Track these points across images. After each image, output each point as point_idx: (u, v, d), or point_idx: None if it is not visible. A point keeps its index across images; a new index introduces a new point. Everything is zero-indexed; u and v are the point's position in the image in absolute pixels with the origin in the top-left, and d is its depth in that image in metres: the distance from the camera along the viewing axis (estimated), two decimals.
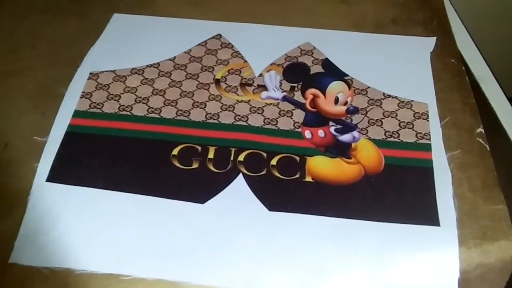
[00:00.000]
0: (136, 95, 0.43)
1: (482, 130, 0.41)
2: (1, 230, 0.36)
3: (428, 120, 0.42)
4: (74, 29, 0.48)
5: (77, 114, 0.42)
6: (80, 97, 0.43)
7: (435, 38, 0.48)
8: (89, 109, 0.42)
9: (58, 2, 0.50)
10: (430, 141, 0.41)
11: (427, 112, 0.42)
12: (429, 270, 0.35)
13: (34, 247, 0.35)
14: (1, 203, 0.37)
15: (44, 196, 0.37)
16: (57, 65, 0.45)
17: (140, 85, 0.44)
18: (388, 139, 0.41)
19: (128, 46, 0.46)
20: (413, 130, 0.41)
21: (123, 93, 0.43)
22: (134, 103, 0.42)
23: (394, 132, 0.41)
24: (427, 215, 0.37)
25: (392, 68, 0.46)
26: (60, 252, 0.35)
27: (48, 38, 0.47)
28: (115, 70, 0.45)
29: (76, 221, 0.36)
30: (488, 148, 0.40)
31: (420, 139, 0.41)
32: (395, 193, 0.38)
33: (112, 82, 0.44)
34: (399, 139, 0.41)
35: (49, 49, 0.47)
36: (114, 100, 0.43)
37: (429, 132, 0.41)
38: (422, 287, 0.35)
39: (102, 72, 0.44)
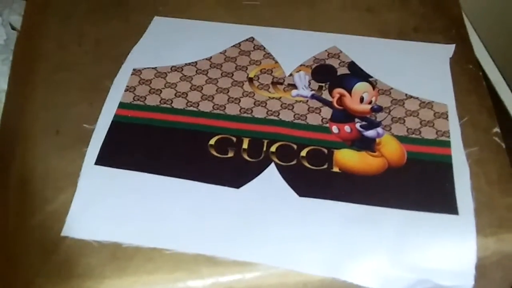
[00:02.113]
0: (176, 90, 0.46)
1: (498, 130, 0.44)
2: (54, 206, 0.39)
3: (447, 120, 0.45)
4: (118, 30, 0.52)
5: (122, 105, 0.45)
6: (125, 91, 0.46)
7: (454, 45, 0.51)
8: (133, 101, 0.46)
9: (101, 5, 0.54)
10: (450, 138, 0.43)
11: (447, 112, 0.45)
12: (448, 255, 0.38)
13: (84, 222, 0.38)
14: (54, 183, 0.40)
15: (93, 177, 0.41)
16: (103, 62, 0.49)
17: (179, 81, 0.47)
18: (410, 135, 0.44)
19: (168, 46, 0.50)
20: (434, 128, 0.44)
21: (164, 88, 0.47)
22: (174, 97, 0.46)
23: (416, 130, 0.44)
24: (446, 204, 0.39)
25: (414, 71, 0.49)
26: (108, 227, 0.38)
27: (93, 37, 0.51)
28: (156, 67, 0.48)
29: (122, 200, 0.40)
30: (504, 146, 0.43)
31: (440, 136, 0.44)
32: (417, 184, 0.41)
33: (154, 78, 0.47)
34: (420, 136, 0.44)
35: (95, 47, 0.50)
36: (156, 94, 0.46)
37: (449, 130, 0.44)
38: (441, 270, 0.37)
39: (144, 68, 0.48)
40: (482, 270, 0.38)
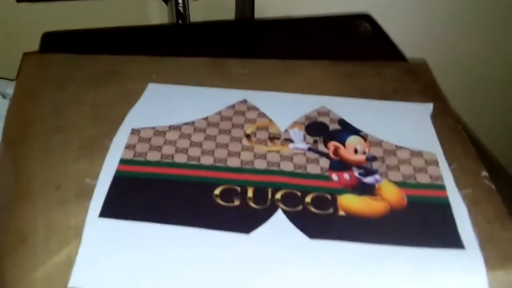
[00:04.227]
0: (176, 146, 0.47)
1: (486, 173, 0.47)
2: (59, 259, 0.37)
3: (438, 166, 0.47)
4: (114, 95, 0.53)
5: (123, 161, 0.45)
6: (125, 148, 0.47)
7: (432, 104, 0.55)
8: (134, 157, 0.46)
9: (97, 75, 0.56)
10: (444, 182, 0.46)
11: (436, 160, 0.48)
12: None
13: (91, 272, 0.37)
14: (58, 236, 0.39)
15: (98, 229, 0.39)
16: (100, 123, 0.49)
17: (178, 139, 0.48)
18: (407, 180, 0.46)
19: (164, 109, 0.51)
20: (427, 174, 0.46)
21: (164, 145, 0.47)
22: (175, 153, 0.47)
23: (411, 176, 0.46)
24: (451, 240, 0.41)
25: (400, 126, 0.52)
26: (115, 277, 0.37)
27: (89, 102, 0.52)
28: (154, 127, 0.49)
29: (129, 251, 0.38)
30: (494, 187, 0.45)
31: (435, 180, 0.46)
32: (420, 224, 0.42)
33: (153, 136, 0.48)
34: (416, 181, 0.46)
35: (91, 110, 0.51)
36: (156, 150, 0.47)
37: (441, 175, 0.46)
38: None
39: (143, 128, 0.49)
40: None
